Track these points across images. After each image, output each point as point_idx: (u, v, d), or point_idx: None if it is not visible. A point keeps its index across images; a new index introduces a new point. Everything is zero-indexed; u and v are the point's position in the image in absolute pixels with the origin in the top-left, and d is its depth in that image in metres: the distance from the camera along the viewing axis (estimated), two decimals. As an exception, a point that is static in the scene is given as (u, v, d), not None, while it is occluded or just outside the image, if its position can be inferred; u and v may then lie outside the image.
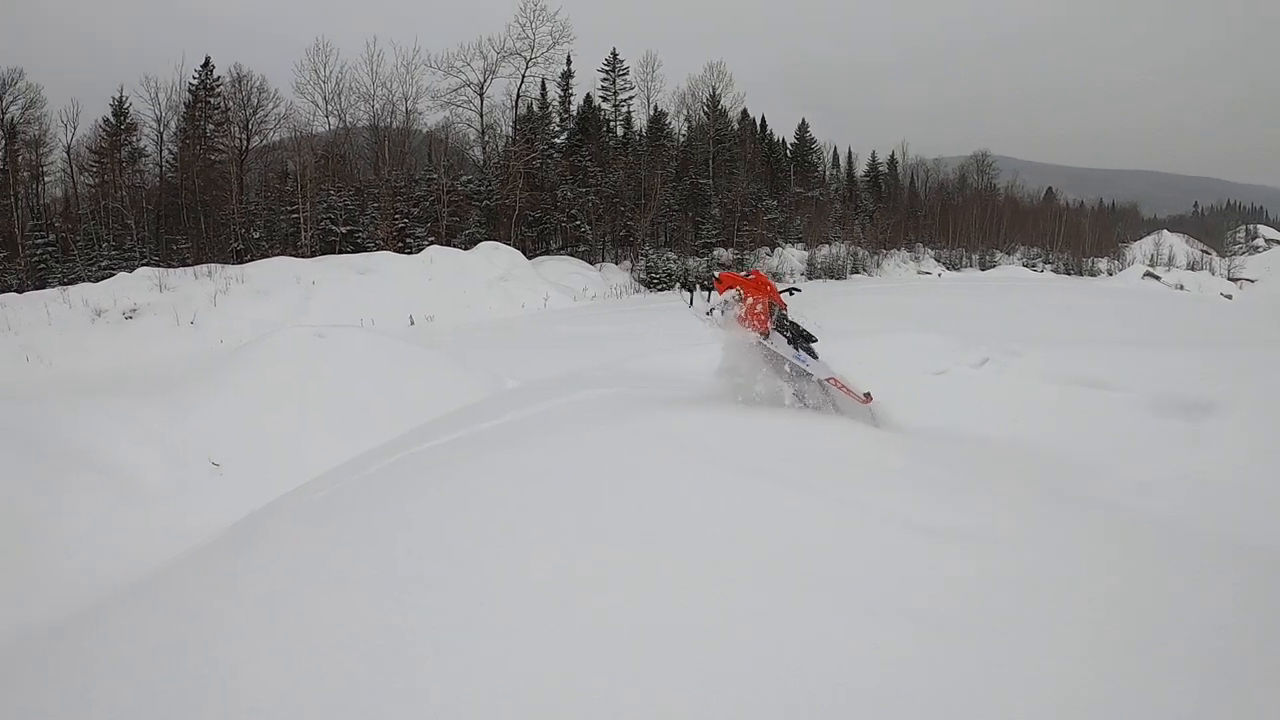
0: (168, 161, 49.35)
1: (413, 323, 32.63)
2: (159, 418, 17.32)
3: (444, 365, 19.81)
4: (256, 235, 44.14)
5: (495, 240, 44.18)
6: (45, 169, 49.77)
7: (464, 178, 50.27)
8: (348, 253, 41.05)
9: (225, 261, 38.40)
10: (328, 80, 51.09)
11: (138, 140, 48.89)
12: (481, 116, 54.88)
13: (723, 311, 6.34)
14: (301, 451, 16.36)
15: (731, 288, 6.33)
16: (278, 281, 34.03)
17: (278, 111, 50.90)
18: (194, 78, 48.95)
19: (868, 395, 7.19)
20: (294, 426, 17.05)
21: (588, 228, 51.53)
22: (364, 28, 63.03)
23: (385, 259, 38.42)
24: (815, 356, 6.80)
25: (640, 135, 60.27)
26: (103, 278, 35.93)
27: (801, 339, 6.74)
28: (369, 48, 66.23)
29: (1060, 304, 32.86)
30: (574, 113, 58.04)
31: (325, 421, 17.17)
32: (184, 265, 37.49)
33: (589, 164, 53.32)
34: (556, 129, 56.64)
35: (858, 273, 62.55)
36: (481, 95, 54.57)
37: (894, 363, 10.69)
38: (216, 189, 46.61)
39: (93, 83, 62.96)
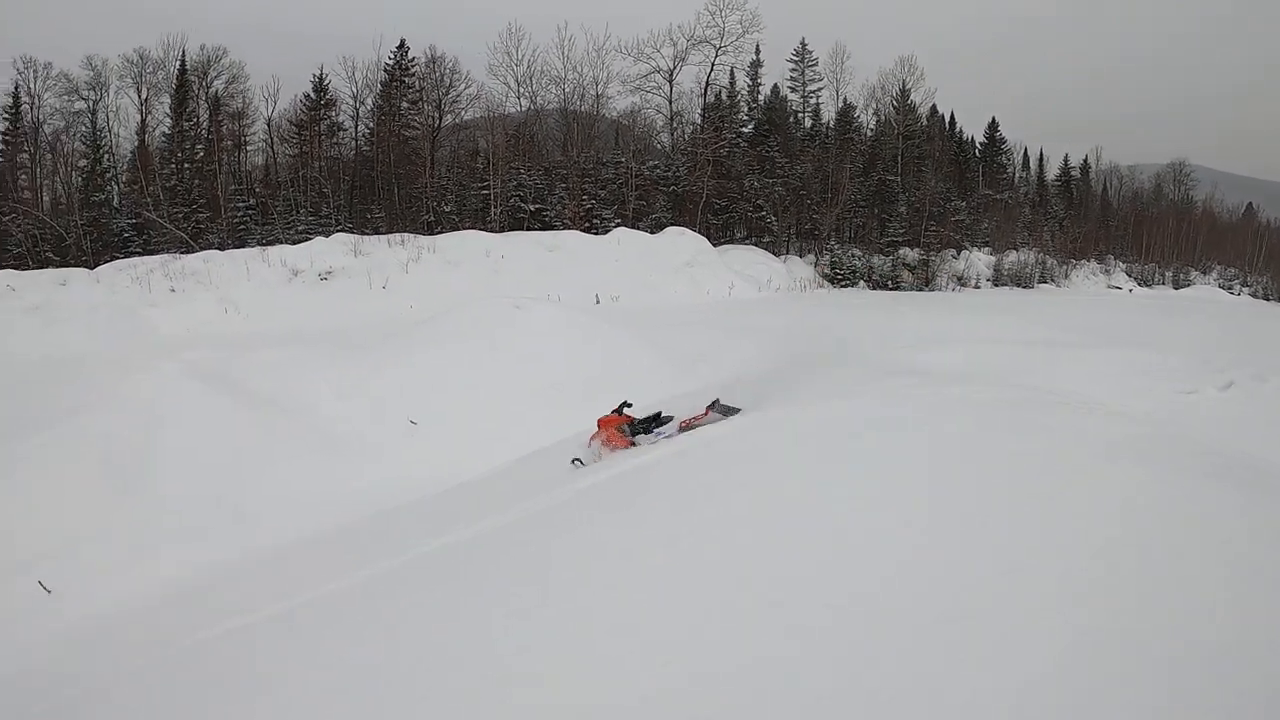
0: (363, 136, 50.67)
1: (598, 301, 31.89)
2: (359, 374, 17.06)
3: (636, 346, 18.97)
4: (447, 209, 44.52)
5: (681, 226, 43.33)
6: (247, 139, 52.36)
7: (650, 163, 49.70)
8: (535, 230, 40.81)
9: (416, 232, 38.69)
10: (520, 63, 51.54)
11: (336, 115, 50.49)
12: (670, 103, 54.28)
13: (593, 450, 9.87)
14: (495, 416, 15.80)
15: (602, 428, 9.95)
16: (468, 253, 33.93)
17: (469, 92, 51.60)
18: (390, 58, 49.95)
19: (709, 408, 9.34)
20: (489, 392, 16.53)
21: (773, 219, 50.10)
22: (556, 12, 62.98)
23: (573, 238, 37.96)
24: (664, 423, 9.84)
25: (828, 128, 58.45)
26: (299, 241, 36.71)
27: (654, 422, 9.95)
28: (560, 32, 66.07)
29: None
30: (761, 103, 56.73)
31: (519, 390, 16.58)
32: (377, 234, 37.94)
33: (776, 154, 51.91)
34: (744, 118, 55.51)
35: (1045, 282, 58.96)
36: (671, 82, 54.02)
37: (1126, 379, 10.50)
38: (409, 163, 47.44)
39: (292, 62, 64.88)
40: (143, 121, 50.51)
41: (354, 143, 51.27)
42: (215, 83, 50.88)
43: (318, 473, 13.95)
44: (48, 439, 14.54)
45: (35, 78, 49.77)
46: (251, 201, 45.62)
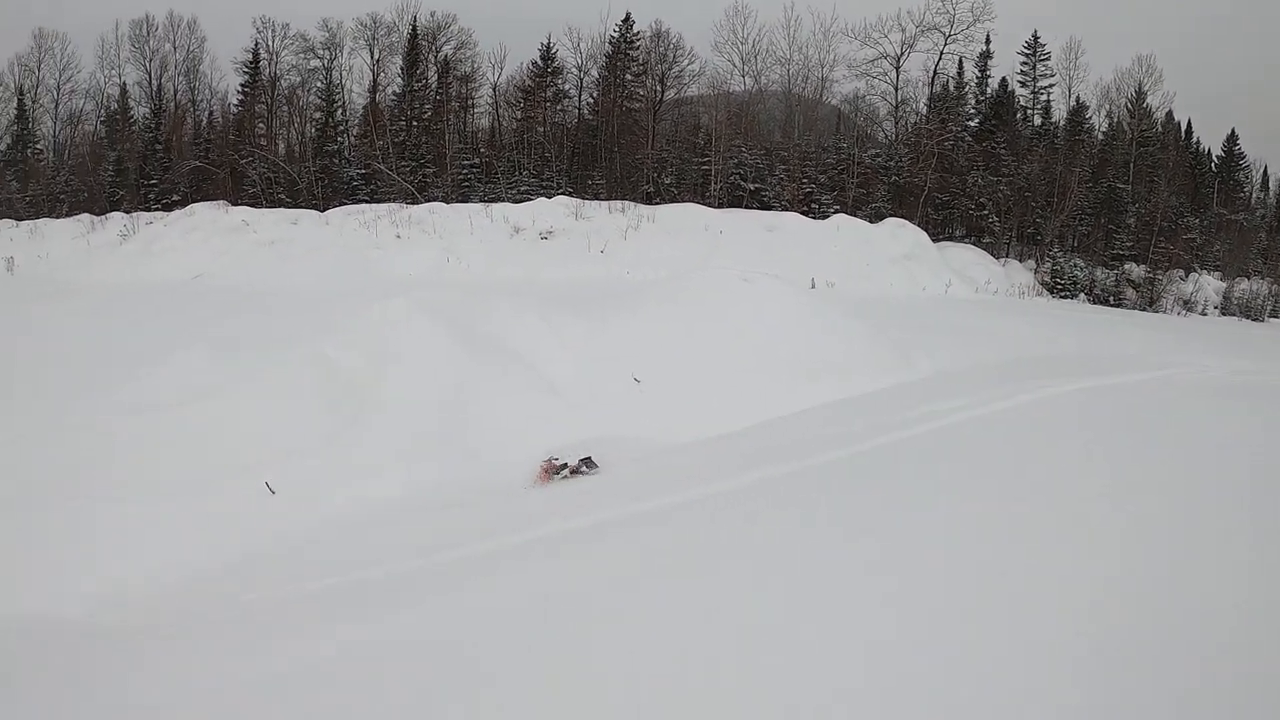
0: (586, 105, 51.34)
1: (814, 285, 31.04)
2: (582, 330, 16.93)
3: (855, 332, 18.09)
4: (667, 181, 44.53)
5: (900, 218, 41.93)
6: (474, 101, 54.24)
7: (872, 151, 48.37)
8: (754, 209, 40.26)
9: (636, 201, 38.79)
10: (744, 41, 50.64)
11: (562, 83, 51.28)
12: (896, 90, 52.43)
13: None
14: (717, 383, 15.32)
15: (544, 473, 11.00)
16: (687, 226, 33.72)
17: (692, 68, 51.34)
18: (615, 31, 50.27)
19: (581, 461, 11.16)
20: (711, 358, 16.05)
21: (995, 219, 47.86)
22: None
23: (791, 219, 37.25)
24: (594, 462, 11.12)
25: (1057, 127, 55.33)
26: (521, 200, 37.29)
27: (583, 463, 11.08)
28: (787, 12, 64.74)
29: None
30: (989, 96, 54.18)
31: (740, 361, 16.03)
32: (596, 199, 38.25)
33: (1002, 151, 49.49)
34: (971, 111, 53.17)
35: (1277, 316, 53.96)
36: (898, 69, 52.06)
37: None
38: (630, 134, 47.76)
39: (519, 30, 66.29)
40: (374, 80, 53.60)
41: (577, 111, 52.02)
42: (445, 47, 53.04)
43: (541, 418, 13.87)
44: (284, 358, 15.09)
45: (273, 36, 53.74)
46: (475, 160, 47.11)
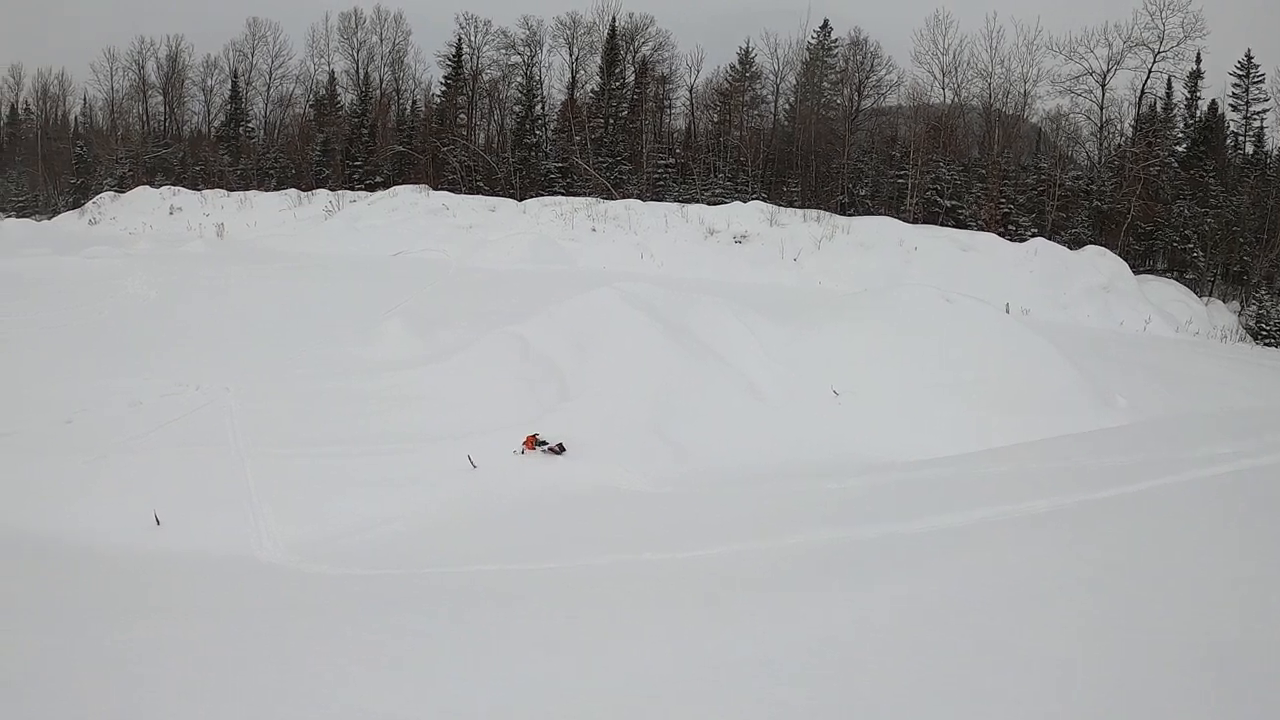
0: (783, 110, 51.51)
1: (1008, 310, 30.44)
2: (781, 336, 17.19)
3: (1056, 363, 17.62)
4: (861, 192, 44.29)
5: (1100, 245, 40.38)
6: (670, 102, 55.70)
7: (1073, 173, 46.70)
8: (949, 227, 39.67)
9: (829, 210, 38.84)
10: (945, 52, 49.61)
11: (759, 88, 51.58)
12: (1101, 109, 50.10)
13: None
14: (917, 402, 15.33)
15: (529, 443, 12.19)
16: (880, 239, 33.55)
17: (890, 78, 51.11)
18: (813, 37, 50.26)
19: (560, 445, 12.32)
20: (910, 376, 16.03)
21: (1200, 253, 45.47)
22: (986, 1, 59.62)
23: (988, 240, 36.50)
24: (563, 448, 12.22)
25: (1270, 157, 51.83)
26: (716, 203, 37.84)
27: (557, 447, 12.20)
28: (989, 22, 63.00)
29: None
30: (1198, 119, 51.13)
31: (938, 384, 15.91)
32: (790, 206, 38.47)
33: (1211, 181, 46.80)
34: (1179, 135, 50.27)
35: None
36: (1103, 86, 49.58)
37: None
38: (826, 142, 47.66)
39: (715, 33, 66.97)
40: (573, 77, 55.64)
41: (773, 116, 52.25)
42: (642, 48, 54.61)
43: (745, 420, 14.21)
44: (484, 337, 16.26)
45: (475, 32, 56.71)
46: (670, 161, 48.03)
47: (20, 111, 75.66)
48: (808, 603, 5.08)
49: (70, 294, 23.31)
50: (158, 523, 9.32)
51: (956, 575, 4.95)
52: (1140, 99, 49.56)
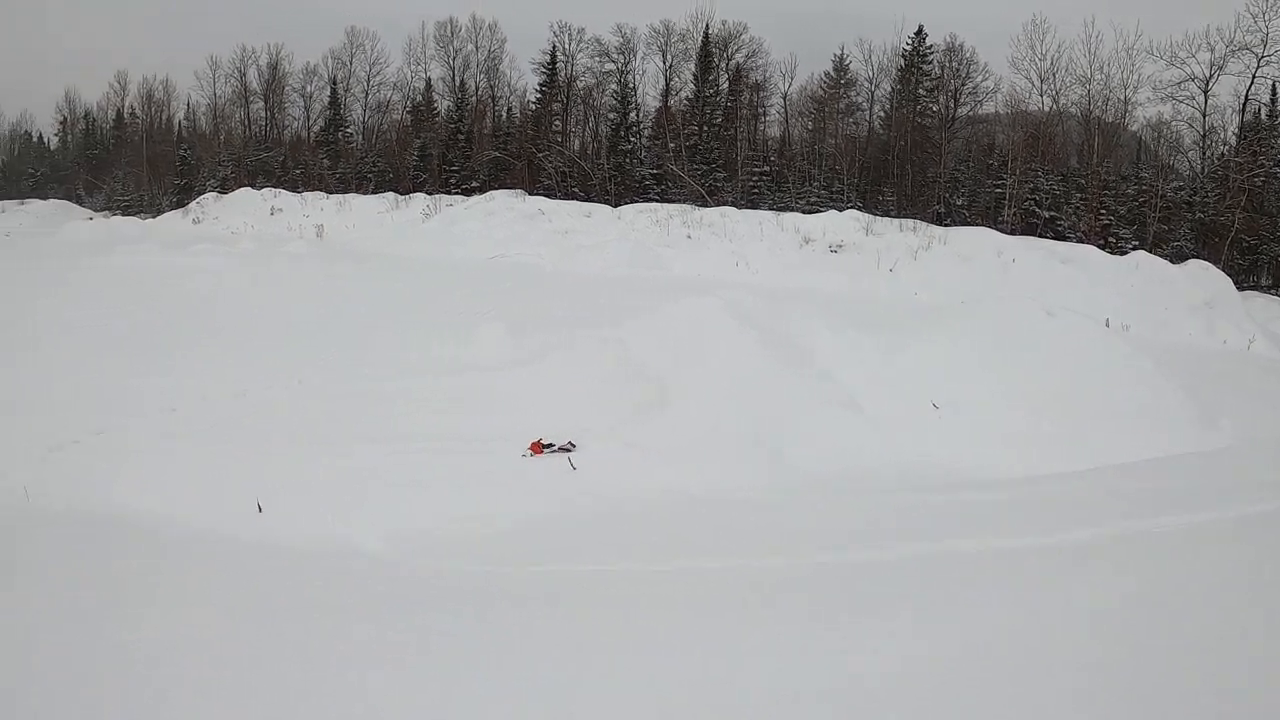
0: (878, 118, 51.47)
1: (1108, 324, 30.15)
2: (878, 347, 17.28)
3: (1165, 385, 17.35)
4: (959, 202, 44.07)
5: (1202, 259, 39.54)
6: (764, 109, 56.30)
7: (1174, 183, 45.66)
8: (1048, 239, 39.26)
9: (925, 220, 38.79)
10: (1043, 58, 48.32)
11: (854, 95, 51.64)
12: (1204, 117, 48.55)
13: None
14: (1014, 422, 15.29)
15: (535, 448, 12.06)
16: (978, 250, 33.35)
17: (987, 85, 50.52)
18: (908, 43, 50.03)
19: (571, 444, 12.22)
20: (1008, 395, 15.93)
21: (1309, 270, 44.36)
22: (1084, 5, 57.89)
23: (1088, 253, 36.00)
24: (573, 445, 12.12)
25: (1377, 167, 50.02)
26: (811, 211, 38.05)
27: (564, 447, 12.07)
28: (1087, 27, 61.89)
29: None
30: (1305, 125, 49.37)
31: (1040, 400, 15.76)
32: (887, 216, 38.50)
33: (1317, 191, 45.44)
34: (1284, 143, 48.58)
35: None
36: (1205, 93, 47.80)
37: None
38: (922, 151, 47.42)
39: (809, 40, 67.27)
40: (667, 85, 56.64)
41: (868, 124, 52.23)
42: (736, 55, 55.17)
43: (845, 432, 14.22)
44: (580, 341, 16.48)
45: (570, 40, 58.05)
46: (765, 168, 48.39)
47: (126, 116, 79.29)
48: (903, 618, 4.63)
49: (177, 289, 24.22)
50: (260, 510, 9.68)
51: (1058, 601, 4.35)
52: (1244, 106, 47.82)
